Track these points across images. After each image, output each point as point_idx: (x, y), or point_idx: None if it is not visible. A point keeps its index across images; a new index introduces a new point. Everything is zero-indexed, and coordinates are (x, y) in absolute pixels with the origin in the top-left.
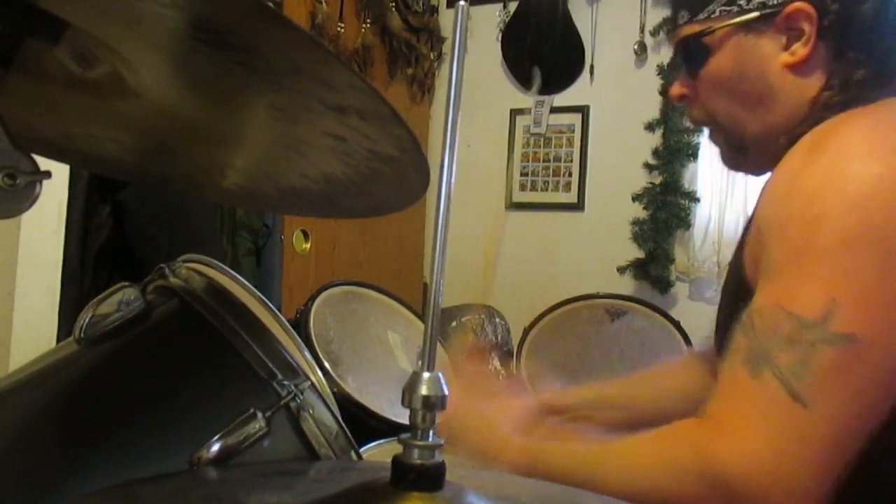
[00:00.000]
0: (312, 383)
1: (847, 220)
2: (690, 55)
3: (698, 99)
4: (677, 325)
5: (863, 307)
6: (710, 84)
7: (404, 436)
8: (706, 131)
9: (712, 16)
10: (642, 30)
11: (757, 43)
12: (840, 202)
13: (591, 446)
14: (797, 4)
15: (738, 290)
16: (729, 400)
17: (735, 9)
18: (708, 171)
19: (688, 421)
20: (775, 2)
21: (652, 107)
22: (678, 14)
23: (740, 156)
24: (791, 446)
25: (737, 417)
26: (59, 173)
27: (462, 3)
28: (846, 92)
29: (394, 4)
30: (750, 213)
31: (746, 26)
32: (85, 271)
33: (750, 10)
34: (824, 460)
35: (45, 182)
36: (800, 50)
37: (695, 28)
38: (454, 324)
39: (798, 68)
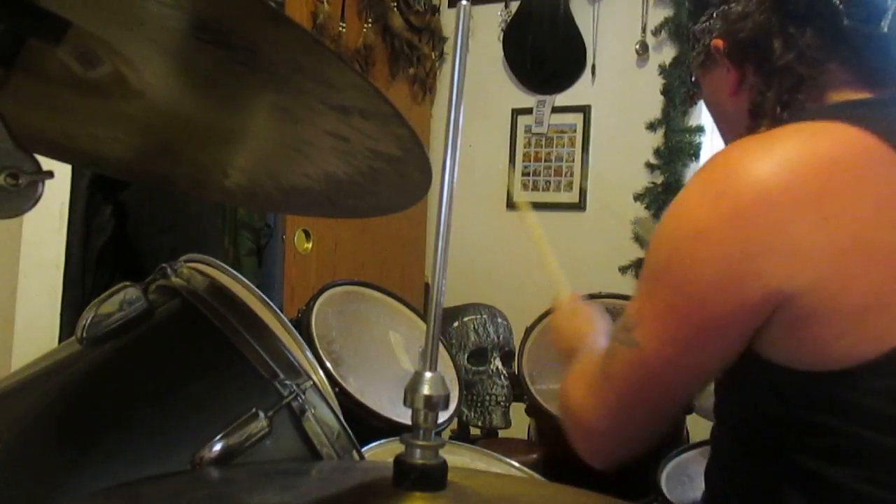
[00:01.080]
0: (314, 383)
1: (659, 253)
2: None
3: None
4: None
5: (652, 326)
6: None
7: (406, 435)
8: (708, 132)
9: (692, 57)
10: (644, 29)
11: (712, 77)
12: (662, 236)
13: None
14: (714, 41)
15: None
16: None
17: (696, 51)
18: None
19: None
20: (707, 42)
21: (653, 106)
22: None
23: None
24: (591, 400)
25: (582, 369)
26: (61, 173)
27: (464, 2)
28: (759, 116)
29: (395, 4)
30: None
31: (703, 65)
32: (87, 271)
33: (701, 52)
34: (611, 416)
35: (47, 182)
36: (728, 79)
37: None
38: (456, 323)
39: (733, 95)
